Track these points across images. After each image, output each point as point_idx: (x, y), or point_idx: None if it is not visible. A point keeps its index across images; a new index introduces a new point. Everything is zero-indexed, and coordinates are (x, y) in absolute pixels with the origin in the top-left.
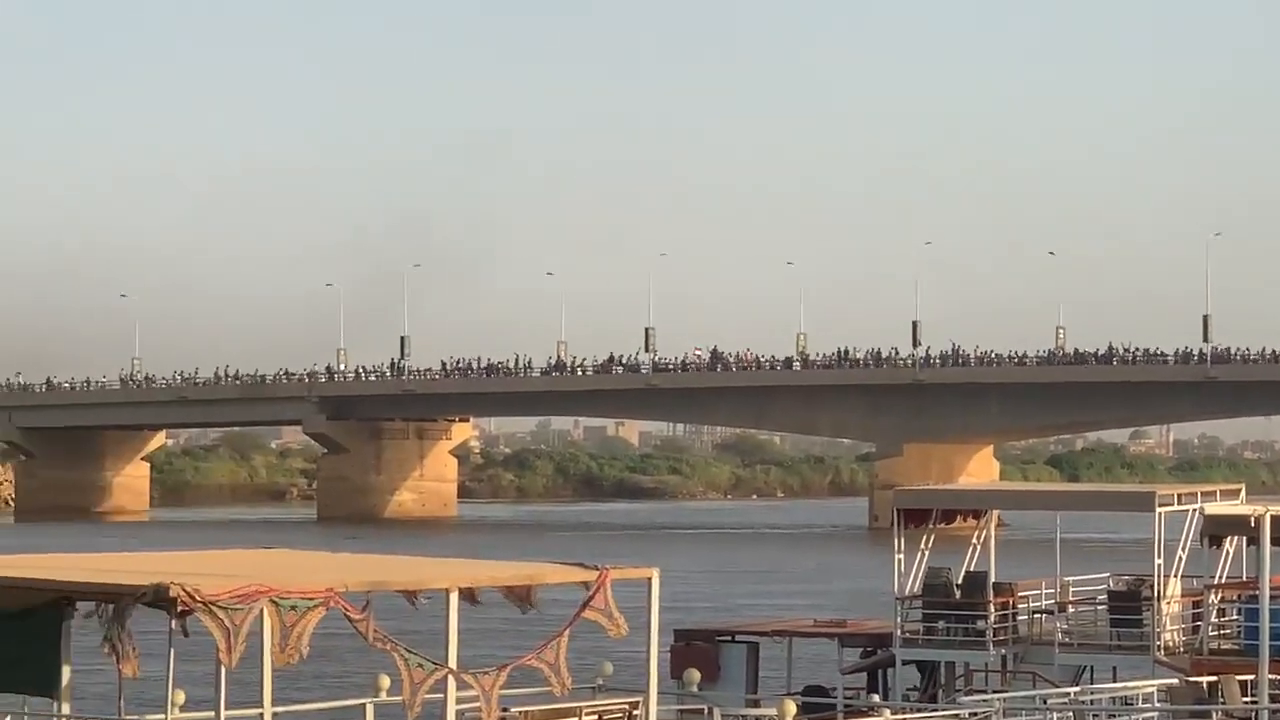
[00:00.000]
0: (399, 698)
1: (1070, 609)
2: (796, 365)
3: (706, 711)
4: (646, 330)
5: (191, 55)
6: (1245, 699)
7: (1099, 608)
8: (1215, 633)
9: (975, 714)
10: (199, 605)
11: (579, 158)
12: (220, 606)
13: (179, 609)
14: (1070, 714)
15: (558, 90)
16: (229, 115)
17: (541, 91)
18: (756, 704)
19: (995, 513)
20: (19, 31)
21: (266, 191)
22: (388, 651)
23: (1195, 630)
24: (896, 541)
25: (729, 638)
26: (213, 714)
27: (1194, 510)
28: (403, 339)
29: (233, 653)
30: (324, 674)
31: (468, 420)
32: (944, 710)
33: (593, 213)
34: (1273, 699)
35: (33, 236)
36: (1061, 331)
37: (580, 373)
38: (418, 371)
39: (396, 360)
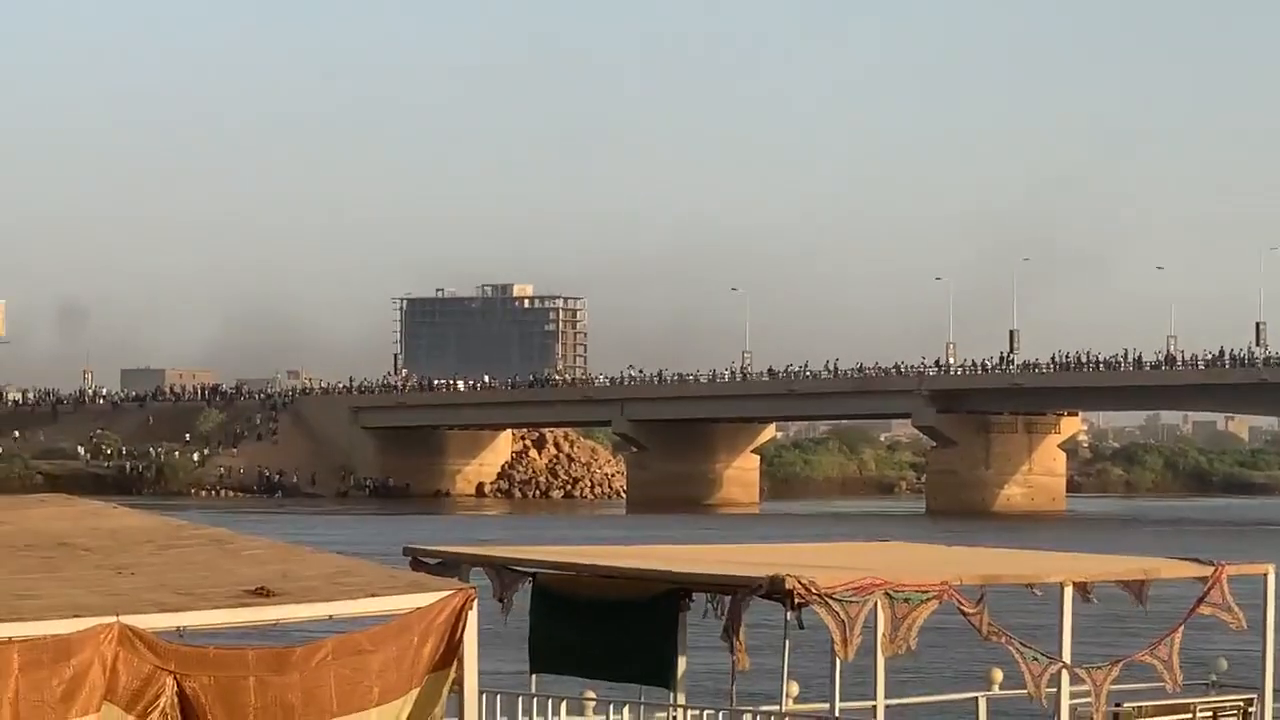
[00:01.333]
0: (1012, 691)
1: None
2: None
3: None
4: (1257, 325)
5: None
6: None
7: None
8: None
9: None
10: (815, 597)
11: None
12: (835, 599)
13: (795, 601)
14: None
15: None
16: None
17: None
18: None
19: None
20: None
21: (878, 178)
22: (1002, 645)
23: None
24: None
25: None
26: (826, 706)
27: None
28: (1011, 332)
29: (849, 645)
30: (924, 669)
31: (1076, 414)
32: None
33: (1202, 209)
34: None
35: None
36: None
37: (1190, 367)
38: (1027, 365)
39: (1005, 354)
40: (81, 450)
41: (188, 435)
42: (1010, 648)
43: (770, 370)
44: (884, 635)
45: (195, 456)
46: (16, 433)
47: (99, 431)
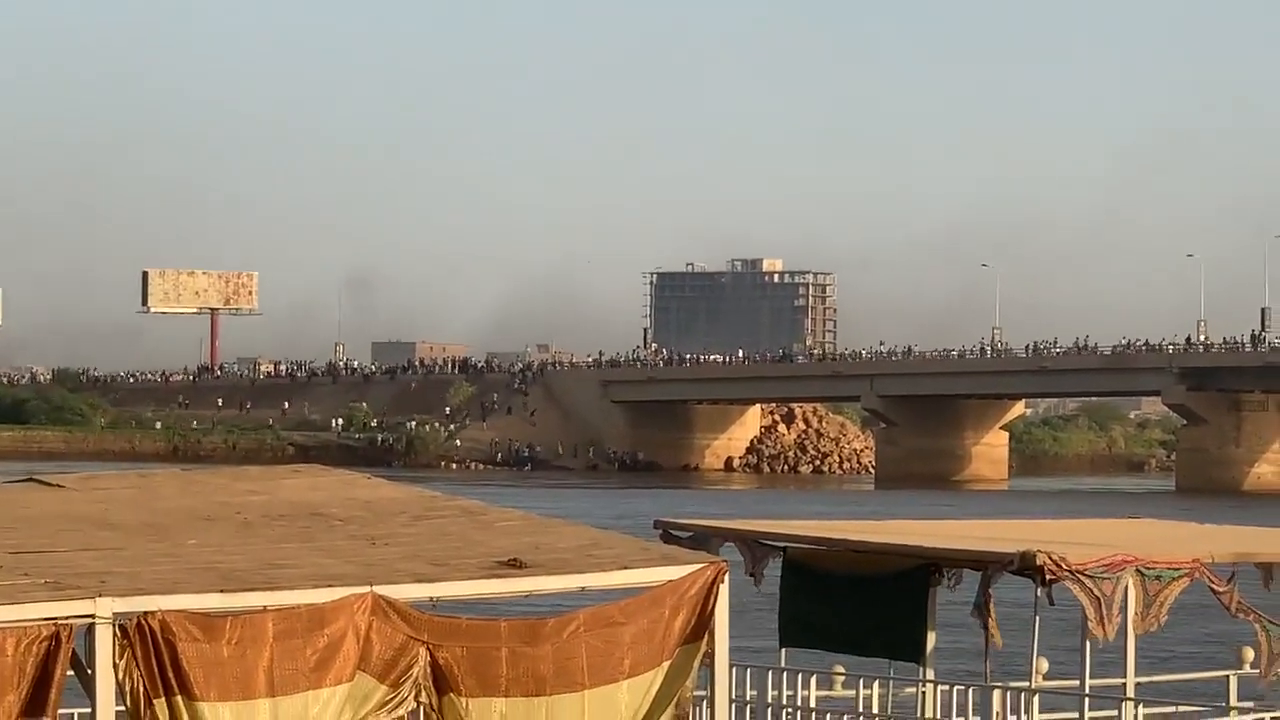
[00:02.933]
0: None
1: None
2: None
3: None
4: None
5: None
6: None
7: None
8: None
9: None
10: (1066, 573)
11: None
12: (1087, 575)
13: (1046, 577)
14: None
15: None
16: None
17: None
18: None
19: None
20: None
21: (1160, 160)
22: (1250, 622)
23: None
24: None
25: None
26: (1076, 682)
27: None
28: (1263, 310)
29: (1106, 624)
30: (1170, 650)
31: None
32: None
33: None
34: None
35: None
36: None
37: None
38: (1279, 343)
39: (1256, 332)
40: (335, 422)
41: (447, 409)
42: (1257, 625)
43: (1017, 346)
44: (1136, 613)
45: (446, 430)
46: (258, 405)
47: (351, 404)
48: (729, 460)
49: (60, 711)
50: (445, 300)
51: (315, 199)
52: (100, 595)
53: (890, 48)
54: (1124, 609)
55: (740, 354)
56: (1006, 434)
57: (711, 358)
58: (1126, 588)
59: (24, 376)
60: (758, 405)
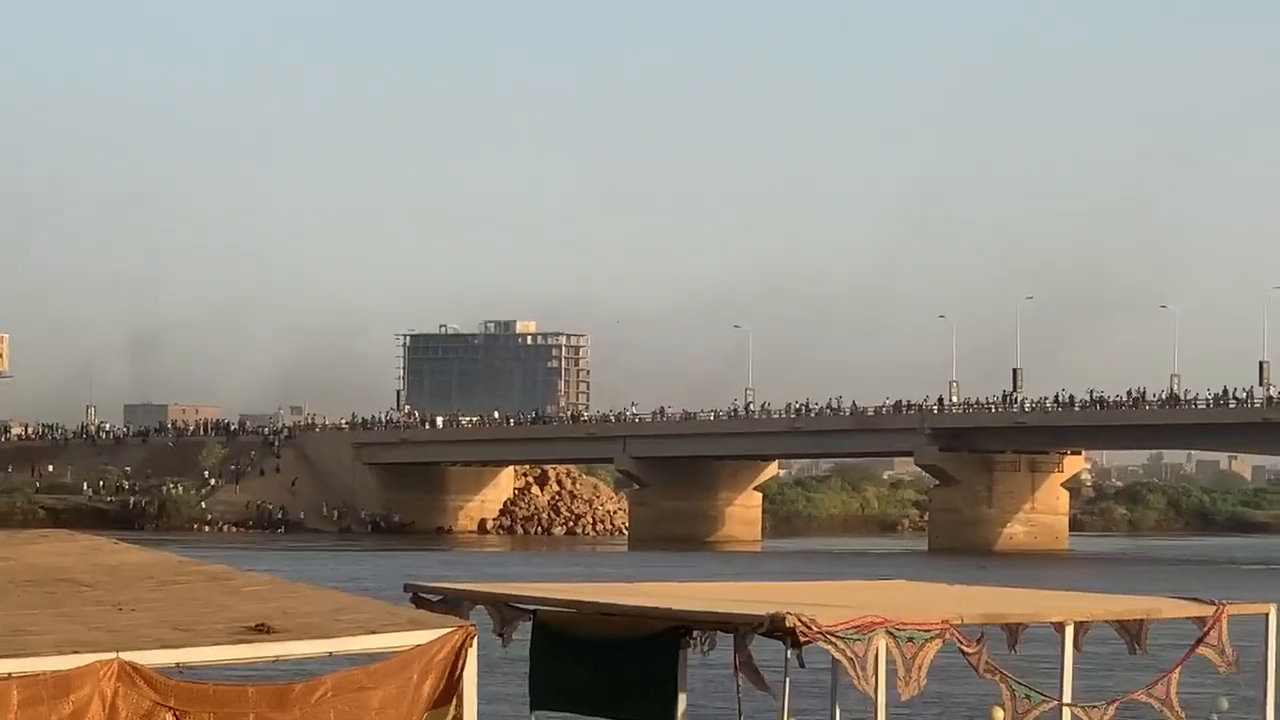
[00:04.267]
0: None
1: None
2: None
3: None
4: (1261, 364)
5: None
6: None
7: None
8: None
9: None
10: (816, 635)
11: None
12: (838, 636)
13: (798, 639)
14: None
15: None
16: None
17: None
18: None
19: None
20: None
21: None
22: (996, 682)
23: None
24: None
25: None
26: None
27: None
28: (1015, 370)
29: (864, 682)
30: (918, 713)
31: (1080, 453)
32: None
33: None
34: None
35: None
36: None
37: (1193, 406)
38: (1030, 404)
39: (1008, 392)
40: (85, 485)
41: (204, 471)
42: (1003, 685)
43: (770, 408)
44: (900, 677)
45: (198, 492)
46: (11, 468)
47: (102, 467)
48: (482, 522)
49: None
50: (209, 363)
51: (74, 261)
52: None
53: (655, 111)
54: (877, 670)
55: (494, 415)
56: (760, 495)
57: (464, 419)
58: (878, 649)
59: None
60: (511, 467)
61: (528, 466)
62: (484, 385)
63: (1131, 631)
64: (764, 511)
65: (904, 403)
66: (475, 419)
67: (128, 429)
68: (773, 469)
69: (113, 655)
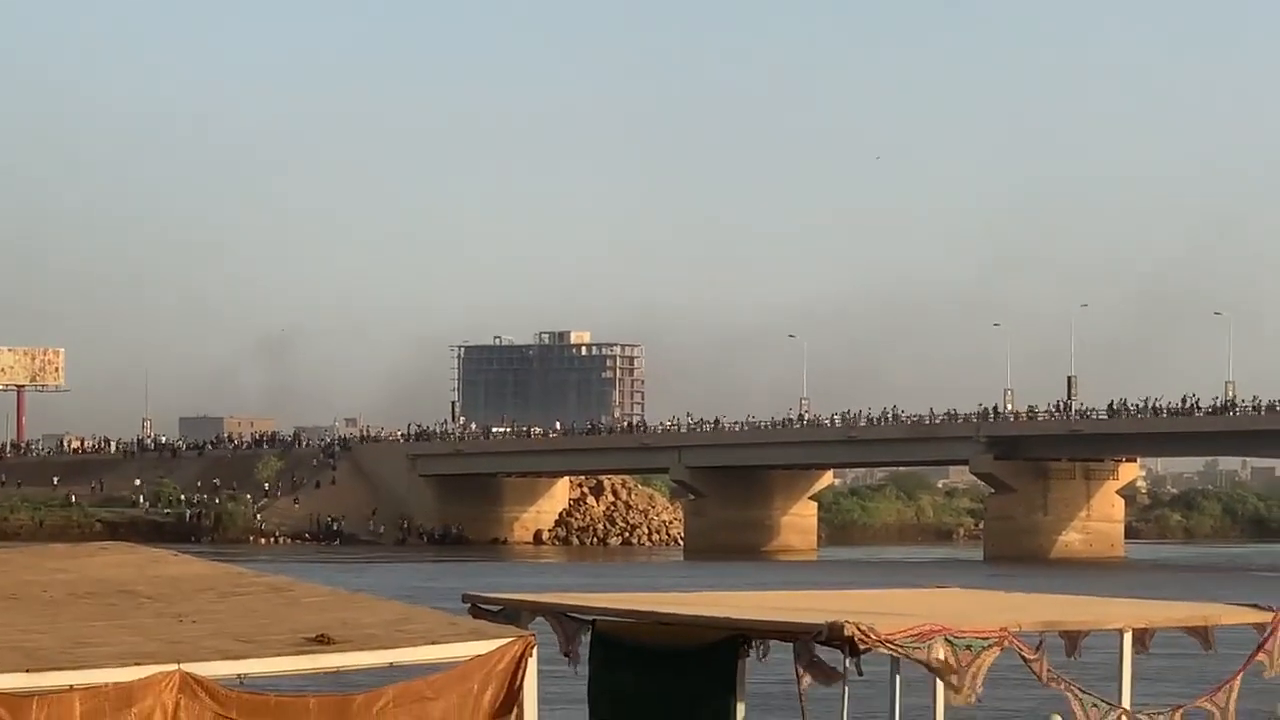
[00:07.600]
0: None
1: None
2: None
3: None
4: None
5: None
6: None
7: None
8: None
9: None
10: (875, 643)
11: None
12: (896, 644)
13: (854, 648)
14: None
15: None
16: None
17: None
18: None
19: None
20: None
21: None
22: (1061, 691)
23: None
24: None
25: None
26: None
27: None
28: (1069, 378)
29: (968, 692)
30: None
31: (1135, 460)
32: None
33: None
34: None
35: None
36: None
37: (1247, 413)
38: (1085, 411)
39: (1063, 400)
40: (141, 498)
41: (264, 485)
42: (1069, 694)
43: (824, 417)
44: (953, 684)
45: (254, 504)
46: (62, 480)
47: (159, 480)
48: (538, 533)
49: None
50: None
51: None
52: None
53: (713, 128)
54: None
55: (552, 426)
56: (815, 504)
57: (519, 430)
58: (938, 657)
59: None
60: (566, 478)
61: (583, 477)
62: (538, 396)
63: (1199, 636)
64: (819, 521)
65: (952, 411)
66: (530, 430)
67: (184, 441)
68: (828, 478)
69: (174, 666)
